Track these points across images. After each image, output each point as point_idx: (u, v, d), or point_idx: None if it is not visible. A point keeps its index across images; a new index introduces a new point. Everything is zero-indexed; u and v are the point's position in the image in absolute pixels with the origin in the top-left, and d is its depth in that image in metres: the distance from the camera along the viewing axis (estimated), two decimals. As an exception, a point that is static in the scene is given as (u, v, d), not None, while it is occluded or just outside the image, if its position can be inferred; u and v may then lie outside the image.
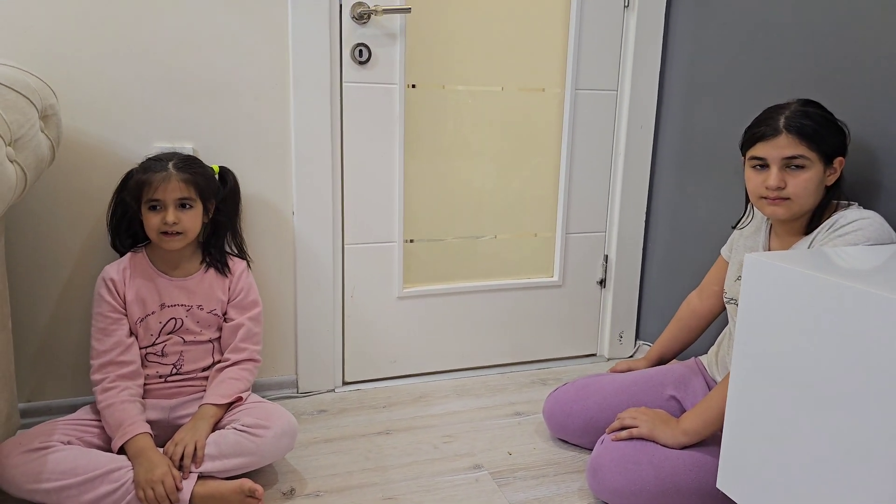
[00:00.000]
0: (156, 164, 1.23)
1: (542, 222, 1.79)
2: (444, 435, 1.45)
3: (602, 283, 1.87)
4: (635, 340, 1.92)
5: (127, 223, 1.30)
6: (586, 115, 1.74)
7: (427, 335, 1.73)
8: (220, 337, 1.34)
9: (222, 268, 1.33)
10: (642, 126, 1.76)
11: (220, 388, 1.26)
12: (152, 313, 1.27)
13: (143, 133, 1.36)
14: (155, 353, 1.28)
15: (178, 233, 1.23)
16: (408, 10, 1.47)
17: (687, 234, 1.72)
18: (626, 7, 1.70)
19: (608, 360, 1.90)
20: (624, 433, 1.19)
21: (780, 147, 1.11)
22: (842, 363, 0.80)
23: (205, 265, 1.33)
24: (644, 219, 1.84)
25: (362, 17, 1.47)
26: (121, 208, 1.29)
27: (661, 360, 1.51)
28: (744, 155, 1.19)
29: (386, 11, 1.46)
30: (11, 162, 0.92)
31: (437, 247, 1.71)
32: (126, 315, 1.26)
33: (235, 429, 1.17)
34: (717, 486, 1.01)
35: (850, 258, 0.95)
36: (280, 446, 1.21)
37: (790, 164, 1.11)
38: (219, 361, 1.32)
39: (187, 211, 1.24)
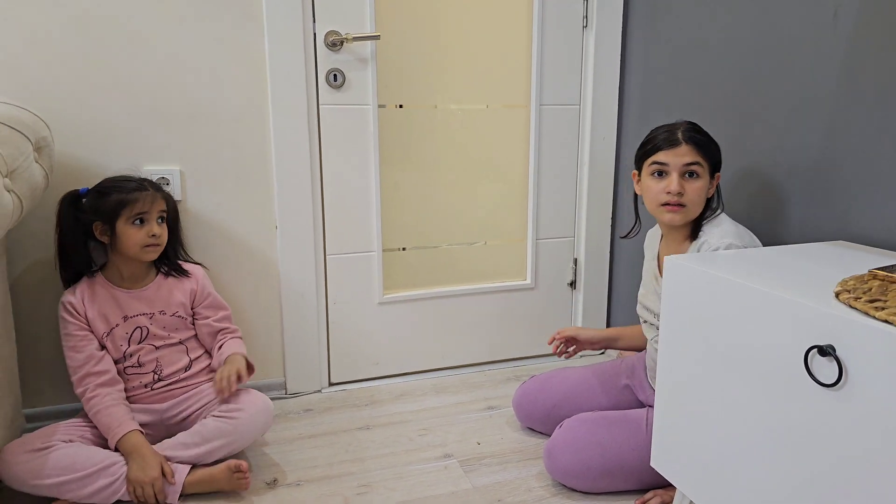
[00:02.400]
0: (132, 182, 1.33)
1: (515, 229, 1.91)
2: (420, 428, 1.57)
3: (572, 284, 1.99)
4: (606, 338, 2.03)
5: (73, 253, 1.35)
6: (552, 129, 1.86)
7: (407, 338, 1.85)
8: (191, 336, 1.42)
9: (179, 273, 1.43)
10: (605, 137, 1.88)
11: (234, 345, 1.41)
12: (116, 326, 1.34)
13: (132, 158, 1.48)
14: (132, 366, 1.35)
15: (157, 244, 1.34)
16: (377, 37, 1.60)
17: (648, 237, 1.83)
18: (584, 27, 1.83)
19: (580, 356, 2.00)
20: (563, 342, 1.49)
21: (680, 155, 1.21)
22: (750, 352, 0.91)
23: (160, 274, 1.41)
24: (610, 223, 1.95)
25: (335, 45, 1.60)
26: (70, 237, 1.33)
27: (610, 343, 1.55)
28: (639, 168, 1.29)
29: (356, 38, 1.59)
30: (8, 191, 1.04)
31: (415, 255, 1.82)
32: (91, 332, 1.33)
33: (213, 415, 1.29)
34: (651, 464, 1.12)
35: (753, 260, 1.06)
36: (257, 424, 1.31)
37: (687, 171, 1.21)
38: (197, 359, 1.42)
39: (162, 225, 1.36)
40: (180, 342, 1.41)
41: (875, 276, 0.89)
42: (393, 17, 1.66)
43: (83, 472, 1.18)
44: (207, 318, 1.44)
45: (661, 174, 1.23)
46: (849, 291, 0.84)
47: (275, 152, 1.59)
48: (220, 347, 1.43)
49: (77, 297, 1.34)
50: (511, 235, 1.91)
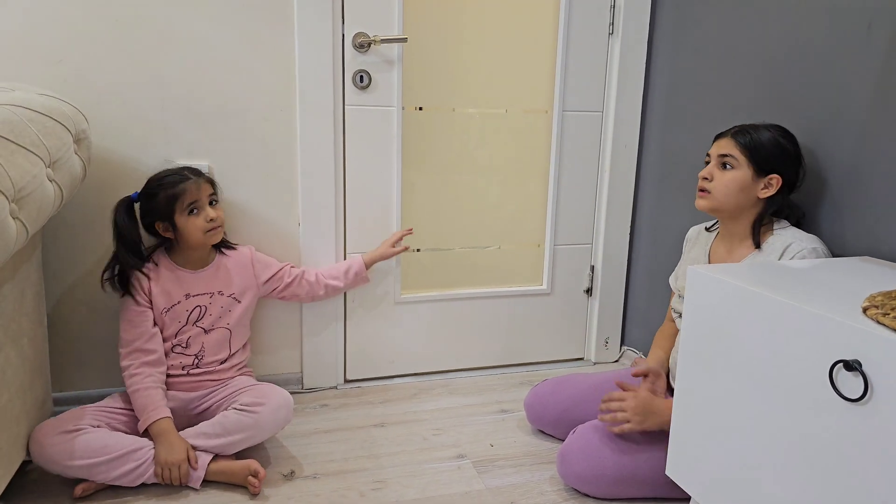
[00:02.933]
0: (175, 176, 1.38)
1: (534, 234, 1.92)
2: (433, 428, 1.58)
3: (589, 291, 1.99)
4: (620, 346, 2.03)
5: (130, 255, 1.39)
6: (573, 135, 1.86)
7: (423, 338, 1.87)
8: (238, 324, 1.49)
9: (228, 248, 1.52)
10: (626, 145, 1.89)
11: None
12: (178, 303, 1.42)
13: (163, 152, 1.52)
14: (180, 345, 1.42)
15: (218, 226, 1.41)
16: (404, 40, 1.62)
17: (667, 246, 1.83)
18: (610, 34, 1.83)
19: (594, 364, 2.01)
20: (616, 429, 1.26)
21: (720, 146, 1.26)
22: (772, 364, 0.91)
23: (217, 254, 1.49)
24: (628, 231, 1.95)
25: (363, 46, 1.62)
26: (129, 242, 1.38)
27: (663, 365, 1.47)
28: None
29: (384, 41, 1.61)
30: (51, 181, 1.07)
31: (434, 256, 1.84)
32: (151, 308, 1.40)
33: (235, 408, 1.32)
34: (667, 472, 1.12)
35: (778, 273, 1.06)
36: (277, 418, 1.34)
37: (722, 161, 1.25)
38: (234, 353, 1.48)
39: (216, 206, 1.43)
40: (227, 328, 1.47)
41: (902, 294, 0.89)
42: (419, 20, 1.67)
43: (112, 455, 1.22)
44: (286, 282, 1.57)
45: (706, 164, 1.30)
46: (877, 307, 0.84)
47: (300, 151, 1.62)
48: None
49: (144, 290, 1.40)
50: (528, 240, 1.92)
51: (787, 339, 0.88)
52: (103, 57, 1.45)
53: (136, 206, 1.41)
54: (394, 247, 1.70)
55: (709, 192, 1.26)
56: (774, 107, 1.42)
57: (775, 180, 1.23)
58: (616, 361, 2.03)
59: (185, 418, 1.40)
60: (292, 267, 1.61)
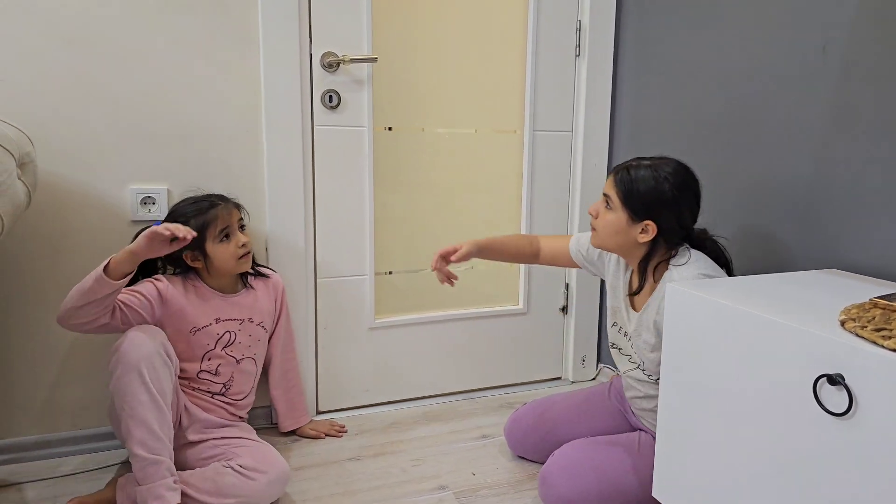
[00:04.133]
0: (203, 203, 1.34)
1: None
2: (412, 459, 1.52)
3: (564, 309, 1.97)
4: (597, 363, 2.02)
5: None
6: (544, 154, 1.86)
7: (398, 364, 1.81)
8: (261, 356, 1.47)
9: (259, 275, 1.49)
10: (596, 163, 1.89)
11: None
12: (208, 325, 1.37)
13: (118, 176, 1.44)
14: (208, 371, 1.37)
15: (249, 252, 1.39)
16: (374, 60, 1.59)
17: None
18: (577, 56, 1.85)
19: (572, 382, 1.98)
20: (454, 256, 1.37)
21: (607, 184, 1.25)
22: (755, 380, 0.90)
23: (246, 280, 1.46)
24: (601, 249, 1.95)
25: (332, 66, 1.59)
26: (148, 271, 1.35)
27: (481, 252, 1.46)
28: None
29: (354, 60, 1.58)
30: None
31: (407, 278, 1.80)
32: (150, 306, 1.28)
33: (233, 468, 1.23)
34: (653, 494, 1.09)
35: (750, 288, 1.06)
36: (272, 491, 1.26)
37: (605, 200, 1.24)
38: (251, 391, 1.46)
39: (245, 231, 1.41)
40: (254, 359, 1.45)
41: (876, 305, 0.89)
42: (387, 40, 1.65)
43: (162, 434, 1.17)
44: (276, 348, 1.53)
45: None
46: (854, 320, 0.84)
47: (267, 173, 1.56)
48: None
49: (164, 283, 1.33)
50: (503, 260, 1.89)
51: (769, 355, 0.87)
52: (50, 76, 1.37)
53: None
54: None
55: (595, 230, 1.26)
56: (735, 123, 1.45)
57: (651, 227, 1.18)
58: (593, 379, 2.00)
59: (177, 447, 1.30)
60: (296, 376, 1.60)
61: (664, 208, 1.18)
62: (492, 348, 1.90)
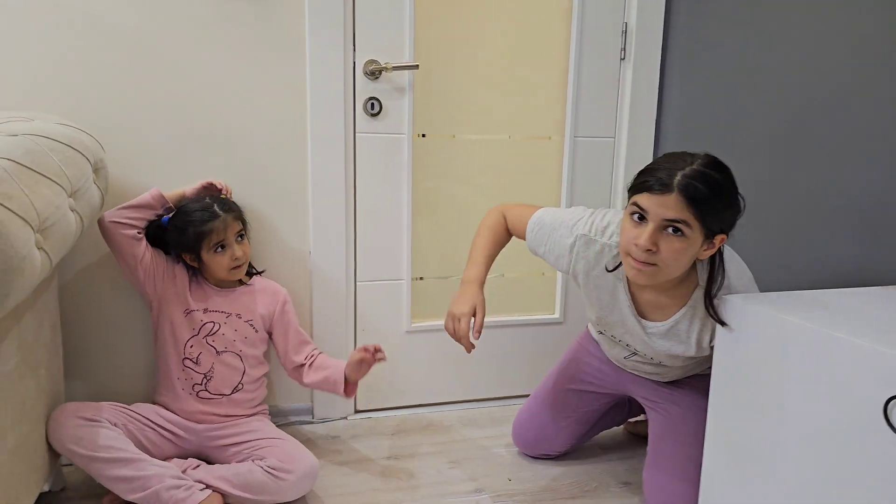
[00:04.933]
0: (204, 213, 1.37)
1: (542, 262, 1.88)
2: (448, 461, 1.54)
3: (603, 317, 1.96)
4: (635, 373, 1.99)
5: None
6: (585, 161, 1.85)
7: (434, 368, 1.83)
8: (253, 355, 1.46)
9: (259, 279, 1.52)
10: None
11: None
12: (195, 310, 1.41)
13: (173, 181, 1.49)
14: (190, 358, 1.41)
15: (242, 264, 1.42)
16: (416, 67, 1.61)
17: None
18: (622, 59, 1.83)
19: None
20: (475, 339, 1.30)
21: (665, 206, 0.99)
22: (820, 400, 0.87)
23: (243, 283, 1.48)
24: (642, 256, 1.93)
25: (374, 74, 1.61)
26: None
27: (483, 285, 1.39)
28: (630, 198, 1.08)
29: (396, 68, 1.60)
30: (72, 211, 1.06)
31: (442, 284, 1.82)
32: (163, 270, 1.40)
33: (263, 469, 1.28)
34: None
35: (817, 303, 1.03)
36: (301, 488, 1.31)
37: (669, 226, 1.00)
38: (243, 388, 1.43)
39: (243, 242, 1.43)
40: (239, 355, 1.44)
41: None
42: (425, 47, 1.67)
43: (113, 455, 1.20)
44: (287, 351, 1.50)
45: (641, 218, 1.03)
46: None
47: (311, 179, 1.60)
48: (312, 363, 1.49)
49: (179, 266, 1.43)
50: (540, 269, 1.89)
51: (836, 374, 0.85)
52: (116, 87, 1.44)
53: (167, 232, 1.40)
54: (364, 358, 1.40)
55: (654, 266, 1.02)
56: (794, 132, 1.41)
57: (719, 240, 1.04)
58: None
59: (200, 448, 1.38)
60: (318, 352, 1.50)
61: (737, 217, 1.03)
62: (528, 356, 1.90)
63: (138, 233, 1.35)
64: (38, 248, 0.92)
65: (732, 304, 1.01)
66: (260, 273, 1.54)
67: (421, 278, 1.80)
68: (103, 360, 1.54)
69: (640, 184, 1.03)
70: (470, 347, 1.30)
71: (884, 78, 1.19)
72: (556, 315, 1.91)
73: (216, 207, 1.39)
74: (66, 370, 1.43)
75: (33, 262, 0.89)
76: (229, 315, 1.44)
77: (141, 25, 1.43)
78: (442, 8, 1.66)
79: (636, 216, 1.04)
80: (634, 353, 1.32)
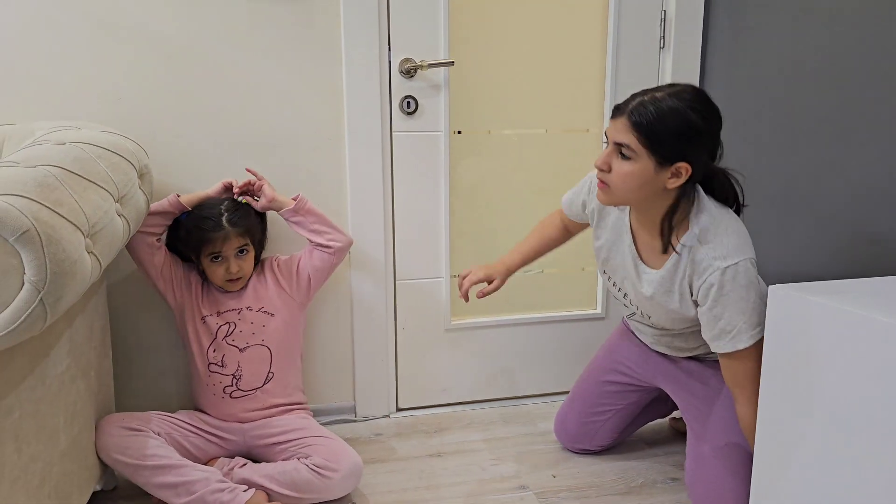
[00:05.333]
0: (209, 221, 1.37)
1: (583, 258, 1.86)
2: (492, 458, 1.54)
3: (645, 312, 1.92)
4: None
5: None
6: (624, 152, 1.81)
7: (475, 365, 1.82)
8: (277, 339, 1.45)
9: (261, 268, 1.51)
10: (680, 160, 1.82)
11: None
12: (209, 315, 1.43)
13: (214, 183, 1.52)
14: (215, 363, 1.42)
15: (239, 278, 1.42)
16: (451, 64, 1.61)
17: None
18: (661, 48, 1.78)
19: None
20: (479, 292, 1.41)
21: (615, 129, 1.06)
22: (874, 395, 0.84)
23: (252, 274, 1.48)
24: (685, 249, 1.88)
25: (410, 72, 1.61)
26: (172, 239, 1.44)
27: (511, 271, 1.49)
28: None
29: (431, 66, 1.60)
30: (119, 216, 1.09)
31: (482, 280, 1.80)
32: (181, 276, 1.43)
33: (308, 467, 1.29)
34: (750, 509, 1.05)
35: (869, 289, 0.99)
36: (346, 486, 1.32)
37: (619, 149, 1.06)
38: (274, 376, 1.44)
39: (245, 256, 1.42)
40: (265, 345, 1.44)
41: None
42: (461, 43, 1.66)
43: (157, 464, 1.23)
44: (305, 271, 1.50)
45: (606, 144, 1.12)
46: None
47: (349, 179, 1.61)
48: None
49: (194, 273, 1.45)
50: (577, 264, 1.86)
51: (888, 362, 0.81)
52: (157, 93, 1.48)
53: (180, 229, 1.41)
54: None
55: (608, 186, 1.09)
56: (840, 122, 1.35)
57: (684, 169, 1.05)
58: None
59: (246, 448, 1.41)
60: (307, 251, 1.52)
61: (699, 141, 1.04)
62: (568, 352, 1.88)
63: (157, 240, 1.38)
64: (89, 253, 0.95)
65: (777, 294, 0.98)
66: (262, 262, 1.51)
67: (457, 276, 1.79)
68: (150, 364, 1.59)
69: (613, 111, 1.12)
70: (463, 296, 1.46)
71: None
72: (598, 310, 1.88)
73: (224, 218, 1.38)
74: (115, 373, 1.47)
75: (84, 266, 0.91)
76: (240, 311, 1.43)
77: (180, 32, 1.46)
78: (476, 3, 1.65)
79: (605, 141, 1.13)
80: (634, 313, 1.34)
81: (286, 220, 1.49)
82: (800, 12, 1.46)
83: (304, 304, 1.53)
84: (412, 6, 1.60)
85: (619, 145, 1.06)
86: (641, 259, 1.22)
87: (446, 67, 1.63)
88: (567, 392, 1.88)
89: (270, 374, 1.44)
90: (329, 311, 1.67)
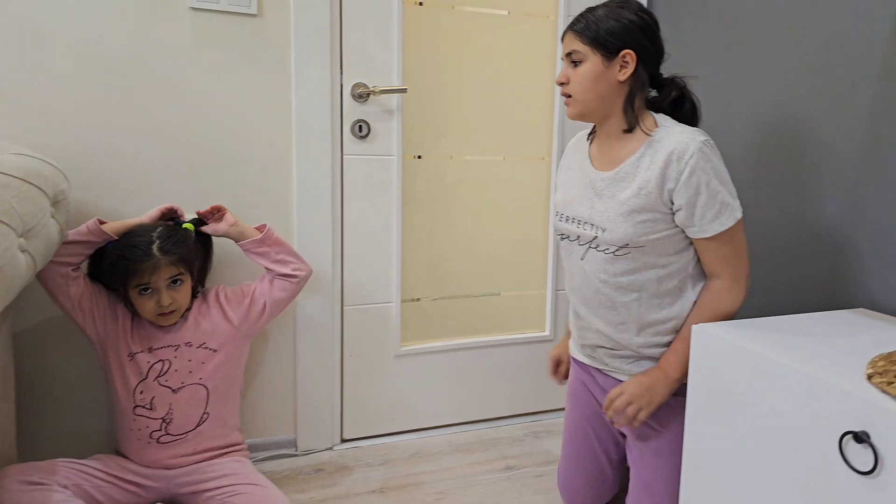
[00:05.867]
0: (136, 250, 1.24)
1: (534, 280, 1.87)
2: (435, 492, 1.51)
3: (592, 339, 1.94)
4: (625, 396, 1.98)
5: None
6: (574, 181, 1.83)
7: (424, 391, 1.80)
8: (214, 377, 1.35)
9: (199, 299, 1.40)
10: (627, 191, 1.86)
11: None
12: (140, 352, 1.30)
13: (152, 204, 1.44)
14: (142, 406, 1.29)
15: (171, 311, 1.29)
16: (404, 90, 1.59)
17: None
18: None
19: (599, 415, 1.95)
20: (636, 423, 1.15)
21: (566, 44, 1.17)
22: (781, 429, 0.88)
23: (193, 306, 1.37)
24: (631, 278, 1.91)
25: (362, 97, 1.58)
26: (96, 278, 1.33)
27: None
28: None
29: (384, 91, 1.57)
30: (23, 252, 0.99)
31: (434, 305, 1.79)
32: (104, 307, 1.30)
33: None
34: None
35: (777, 328, 1.02)
36: None
37: (571, 60, 1.17)
38: (209, 417, 1.34)
39: (179, 287, 1.30)
40: (202, 384, 1.34)
41: (903, 357, 0.87)
42: (417, 70, 1.65)
43: None
44: (259, 294, 1.42)
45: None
46: (880, 374, 0.83)
47: (297, 201, 1.56)
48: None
49: (121, 305, 1.32)
50: (529, 286, 1.87)
51: (796, 405, 0.86)
52: (94, 108, 1.39)
53: (104, 259, 1.29)
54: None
55: (571, 97, 1.18)
56: (763, 158, 1.42)
57: (630, 56, 1.14)
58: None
59: (171, 495, 1.31)
60: (261, 280, 1.44)
61: (637, 32, 1.13)
62: (518, 375, 1.88)
63: (74, 270, 1.25)
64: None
65: (697, 331, 1.03)
66: (204, 293, 1.41)
67: (417, 299, 1.76)
68: (67, 401, 1.47)
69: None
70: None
71: (849, 106, 1.19)
72: (547, 332, 1.89)
73: (154, 246, 1.25)
74: (22, 415, 1.36)
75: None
76: (178, 347, 1.32)
77: (123, 45, 1.39)
78: (431, 31, 1.64)
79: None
80: (588, 246, 1.23)
81: (247, 250, 1.40)
82: (726, 54, 1.51)
83: (252, 335, 1.44)
84: (365, 30, 1.57)
85: (569, 55, 1.17)
86: (594, 167, 1.23)
87: (400, 94, 1.61)
88: (516, 415, 1.89)
89: (205, 416, 1.34)
90: (270, 338, 1.62)
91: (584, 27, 1.15)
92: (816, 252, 1.30)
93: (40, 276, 1.24)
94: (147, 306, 1.28)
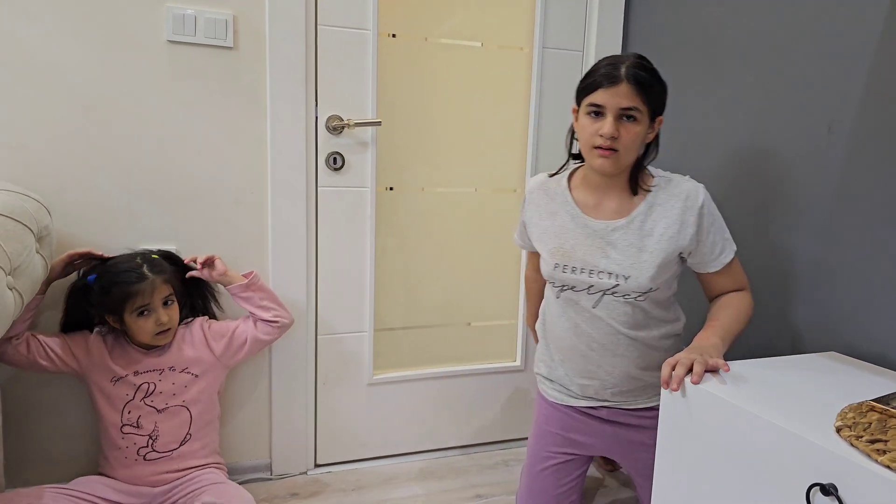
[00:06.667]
0: (130, 274, 1.32)
1: (505, 310, 1.91)
2: (407, 520, 1.53)
3: (563, 365, 1.98)
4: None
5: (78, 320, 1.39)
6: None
7: (396, 419, 1.82)
8: (198, 401, 1.42)
9: (184, 326, 1.45)
10: (597, 221, 1.91)
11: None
12: (126, 376, 1.36)
13: (129, 237, 1.47)
14: (130, 424, 1.36)
15: (167, 329, 1.37)
16: (378, 124, 1.62)
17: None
18: (580, 114, 1.87)
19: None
20: (695, 378, 1.00)
21: (619, 96, 1.12)
22: (749, 479, 0.90)
23: (178, 332, 1.43)
24: (601, 305, 1.96)
25: (336, 129, 1.62)
26: (74, 324, 1.38)
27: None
28: (578, 104, 1.22)
29: (358, 125, 1.61)
30: (10, 289, 1.02)
31: (407, 334, 1.81)
32: (70, 352, 1.34)
33: None
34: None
35: (745, 376, 1.07)
36: None
37: (625, 114, 1.14)
38: (192, 437, 1.41)
39: (171, 306, 1.38)
40: (184, 406, 1.40)
41: (873, 409, 0.90)
42: (390, 103, 1.69)
43: None
44: (241, 332, 1.48)
45: (597, 114, 1.16)
46: (849, 427, 0.84)
47: (271, 233, 1.59)
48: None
49: (91, 336, 1.37)
50: (500, 317, 1.91)
51: (765, 455, 0.88)
52: (68, 141, 1.41)
53: (92, 292, 1.34)
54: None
55: (616, 152, 1.14)
56: (738, 199, 1.46)
57: (658, 123, 1.19)
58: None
59: None
60: (246, 319, 1.50)
61: (665, 97, 1.19)
62: (488, 404, 1.91)
63: (16, 339, 1.29)
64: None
65: (666, 371, 1.04)
66: (189, 322, 1.47)
67: (391, 329, 1.79)
68: (53, 428, 1.49)
69: (589, 84, 1.17)
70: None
71: (825, 149, 1.25)
72: (518, 363, 1.92)
73: (145, 268, 1.33)
74: (8, 443, 1.37)
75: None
76: (162, 371, 1.39)
77: (96, 77, 1.41)
78: (404, 65, 1.68)
79: (593, 113, 1.17)
80: (603, 294, 1.24)
81: (234, 294, 1.47)
82: (702, 93, 1.56)
83: (230, 367, 1.51)
84: (341, 64, 1.61)
85: (626, 110, 1.14)
86: (590, 216, 1.25)
87: (374, 126, 1.65)
88: (487, 443, 1.92)
89: (188, 436, 1.41)
90: (246, 365, 1.63)
91: (645, 83, 1.13)
92: (789, 294, 1.33)
93: (5, 362, 1.29)
94: (146, 327, 1.34)
